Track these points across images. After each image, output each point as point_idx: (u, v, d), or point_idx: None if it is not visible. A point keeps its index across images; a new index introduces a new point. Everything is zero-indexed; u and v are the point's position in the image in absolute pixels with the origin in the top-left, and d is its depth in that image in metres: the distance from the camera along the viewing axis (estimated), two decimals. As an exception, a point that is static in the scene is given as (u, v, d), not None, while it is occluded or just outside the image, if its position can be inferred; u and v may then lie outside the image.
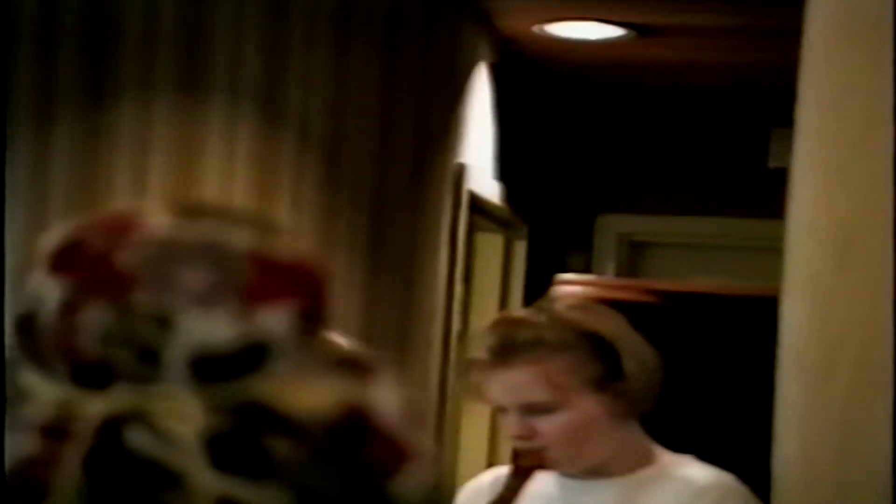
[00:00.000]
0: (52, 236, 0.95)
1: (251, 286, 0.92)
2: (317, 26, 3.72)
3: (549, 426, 2.13)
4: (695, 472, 2.22)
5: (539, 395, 2.12)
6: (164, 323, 0.90)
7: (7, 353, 0.94)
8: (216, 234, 0.94)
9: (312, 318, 0.94)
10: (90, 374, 0.91)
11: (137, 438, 0.89)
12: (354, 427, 0.92)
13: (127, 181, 3.54)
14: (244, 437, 0.89)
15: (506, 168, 5.03)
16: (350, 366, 0.96)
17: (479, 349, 2.17)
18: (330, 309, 0.97)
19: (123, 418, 0.89)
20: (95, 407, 0.90)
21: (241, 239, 0.94)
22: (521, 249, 5.25)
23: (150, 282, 0.91)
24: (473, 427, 4.97)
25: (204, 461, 0.88)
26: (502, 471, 2.24)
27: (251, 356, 0.91)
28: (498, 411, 2.20)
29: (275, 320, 0.92)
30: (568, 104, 5.57)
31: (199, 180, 3.56)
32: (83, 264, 0.93)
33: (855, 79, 2.07)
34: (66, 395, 0.91)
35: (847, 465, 2.02)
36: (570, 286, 4.35)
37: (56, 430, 0.90)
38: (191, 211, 0.97)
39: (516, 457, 2.21)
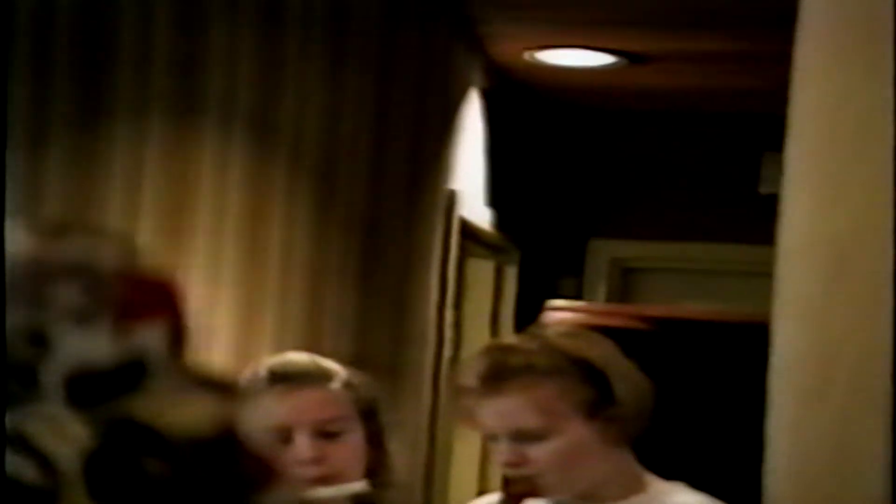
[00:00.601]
0: None
1: (123, 303, 0.91)
2: (310, 51, 3.73)
3: (540, 453, 2.13)
4: (685, 499, 2.21)
5: (530, 421, 2.12)
6: (39, 341, 0.88)
7: None
8: (83, 252, 0.93)
9: (180, 336, 0.94)
10: None
11: (14, 462, 0.87)
12: (225, 444, 0.91)
13: (120, 203, 3.54)
14: (120, 457, 0.88)
15: (497, 194, 5.03)
16: (217, 385, 0.95)
17: (469, 376, 2.17)
18: (191, 328, 0.96)
19: (7, 443, 0.87)
20: None
21: (108, 257, 0.93)
22: (512, 275, 5.25)
23: (21, 300, 0.89)
24: (464, 453, 4.96)
25: (82, 485, 0.87)
26: (494, 498, 2.23)
27: (128, 374, 0.90)
28: (489, 438, 2.19)
29: (150, 337, 0.90)
30: (559, 130, 5.58)
31: (192, 203, 3.56)
32: None
33: (846, 98, 2.07)
34: None
35: (840, 486, 2.02)
36: (561, 312, 4.35)
37: None
38: (55, 229, 0.96)
39: (507, 484, 2.20)
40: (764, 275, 2.53)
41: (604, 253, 5.63)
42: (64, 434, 0.86)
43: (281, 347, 2.94)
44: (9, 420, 0.88)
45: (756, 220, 4.93)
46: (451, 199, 4.49)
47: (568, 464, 2.14)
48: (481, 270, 5.18)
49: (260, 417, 2.16)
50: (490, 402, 2.14)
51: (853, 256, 2.03)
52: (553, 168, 5.58)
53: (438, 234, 4.38)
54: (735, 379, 3.98)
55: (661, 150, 5.57)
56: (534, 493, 2.17)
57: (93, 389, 0.88)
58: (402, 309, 4.16)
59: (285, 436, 2.16)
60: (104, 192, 3.53)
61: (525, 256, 5.30)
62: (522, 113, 5.27)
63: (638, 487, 2.21)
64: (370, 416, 2.26)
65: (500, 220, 5.06)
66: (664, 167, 5.55)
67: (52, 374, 0.89)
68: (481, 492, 4.55)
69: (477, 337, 4.93)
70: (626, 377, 2.17)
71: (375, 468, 2.24)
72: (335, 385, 2.24)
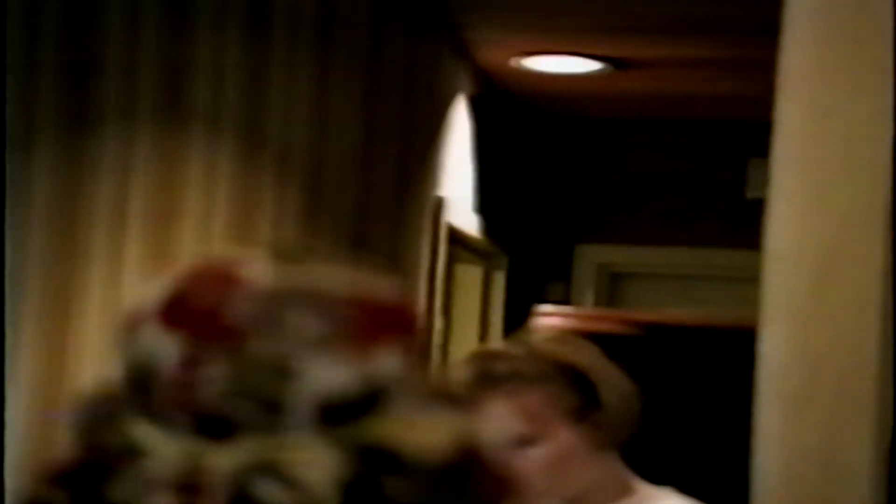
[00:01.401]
0: (157, 290, 0.95)
1: (359, 328, 0.91)
2: (297, 57, 3.73)
3: (527, 459, 2.13)
4: None
5: (517, 427, 2.12)
6: (283, 372, 0.90)
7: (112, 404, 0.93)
8: (317, 280, 0.94)
9: (416, 356, 0.94)
10: (213, 425, 0.90)
11: (269, 490, 0.88)
12: (467, 464, 0.92)
13: (108, 208, 3.54)
14: (370, 483, 0.88)
15: (485, 200, 5.04)
16: (453, 402, 0.96)
17: (456, 383, 2.17)
18: (425, 348, 0.97)
19: (253, 470, 0.88)
20: (223, 459, 0.89)
21: (339, 281, 0.94)
22: (500, 281, 5.25)
23: (264, 332, 0.90)
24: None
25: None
26: None
27: (370, 398, 0.90)
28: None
29: (388, 360, 0.91)
30: (546, 136, 5.59)
31: (180, 209, 3.56)
32: (195, 318, 0.92)
33: (831, 105, 2.08)
34: (189, 448, 0.90)
35: (828, 490, 2.03)
36: (549, 317, 4.35)
37: (187, 486, 0.89)
38: (287, 256, 0.97)
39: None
40: (751, 280, 2.54)
41: (591, 258, 5.64)
42: (317, 462, 0.87)
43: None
44: (260, 449, 0.89)
45: (743, 225, 4.94)
46: (439, 205, 4.49)
47: (555, 469, 2.15)
48: (469, 276, 5.18)
49: None
50: (477, 409, 2.14)
51: (839, 263, 2.04)
52: (540, 174, 5.59)
53: (426, 240, 4.38)
54: (722, 384, 4.00)
55: (648, 155, 5.58)
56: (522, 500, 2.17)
57: (339, 416, 0.89)
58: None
59: None
60: (92, 198, 3.53)
61: (513, 262, 5.31)
62: (509, 119, 5.28)
63: (626, 492, 2.22)
64: None
65: (488, 225, 5.07)
66: (651, 173, 5.56)
67: (300, 402, 0.89)
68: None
69: (465, 342, 4.93)
70: (613, 383, 2.17)
71: None
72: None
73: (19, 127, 3.50)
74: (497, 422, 2.14)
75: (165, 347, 0.92)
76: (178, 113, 3.58)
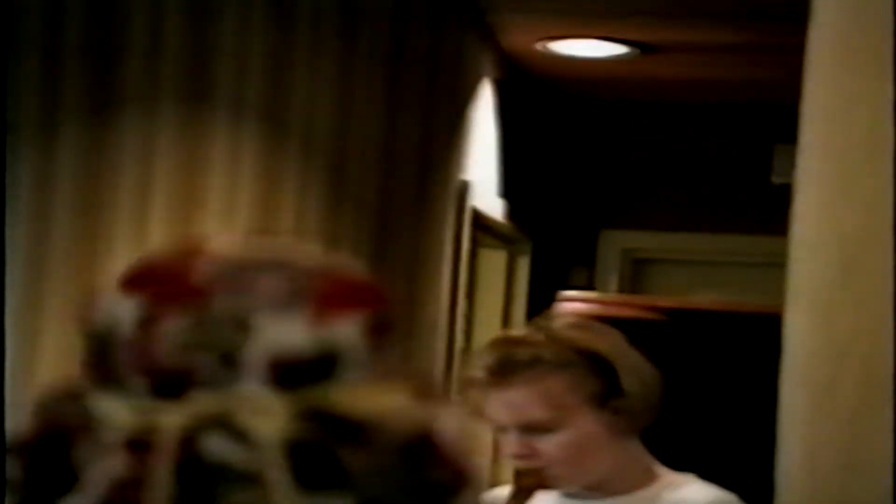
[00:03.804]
0: (123, 269, 0.97)
1: (323, 296, 0.93)
2: (321, 41, 3.72)
3: (549, 445, 2.13)
4: (696, 491, 2.21)
5: (538, 413, 2.12)
6: (241, 326, 0.91)
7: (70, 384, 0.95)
8: (285, 252, 0.97)
9: (379, 334, 0.95)
10: (168, 384, 0.91)
11: (217, 444, 0.89)
12: (422, 446, 0.92)
13: (131, 193, 3.54)
14: (319, 446, 0.90)
15: (509, 185, 5.03)
16: (418, 387, 0.97)
17: (478, 368, 2.17)
18: (394, 329, 0.98)
19: (204, 425, 0.89)
20: (174, 416, 0.90)
21: (309, 257, 0.97)
22: (524, 265, 5.24)
23: (226, 289, 0.92)
24: (475, 443, 4.96)
25: (285, 469, 0.89)
26: (503, 490, 2.23)
27: (325, 363, 0.92)
28: (498, 430, 2.19)
29: (346, 330, 0.93)
30: (571, 121, 5.57)
31: (203, 194, 3.56)
32: (157, 281, 0.95)
33: (859, 93, 2.07)
34: (143, 409, 0.91)
35: (851, 478, 2.02)
36: (572, 302, 4.35)
37: (139, 444, 0.90)
38: (259, 235, 0.99)
39: (517, 476, 2.20)
40: (776, 265, 2.53)
41: (615, 243, 5.62)
42: (268, 412, 0.89)
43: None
44: (212, 403, 0.90)
45: (768, 211, 4.92)
46: (463, 189, 4.49)
47: (577, 456, 2.14)
48: (493, 261, 5.18)
49: None
50: (499, 394, 2.14)
51: (865, 251, 2.03)
52: (565, 159, 5.57)
53: (450, 224, 4.38)
54: (746, 370, 3.98)
55: (673, 140, 5.55)
56: (544, 485, 2.17)
57: (291, 375, 0.90)
58: (413, 300, 4.16)
59: None
60: (115, 182, 3.54)
61: (537, 247, 5.30)
62: (534, 103, 5.27)
63: (648, 479, 2.21)
64: None
65: (513, 210, 5.06)
66: (676, 158, 5.54)
67: (255, 356, 0.91)
68: (492, 485, 4.55)
69: (489, 327, 4.93)
70: (634, 369, 2.16)
71: None
72: None
73: (43, 112, 3.50)
74: (518, 407, 2.13)
75: (124, 311, 0.93)
76: (201, 98, 3.58)
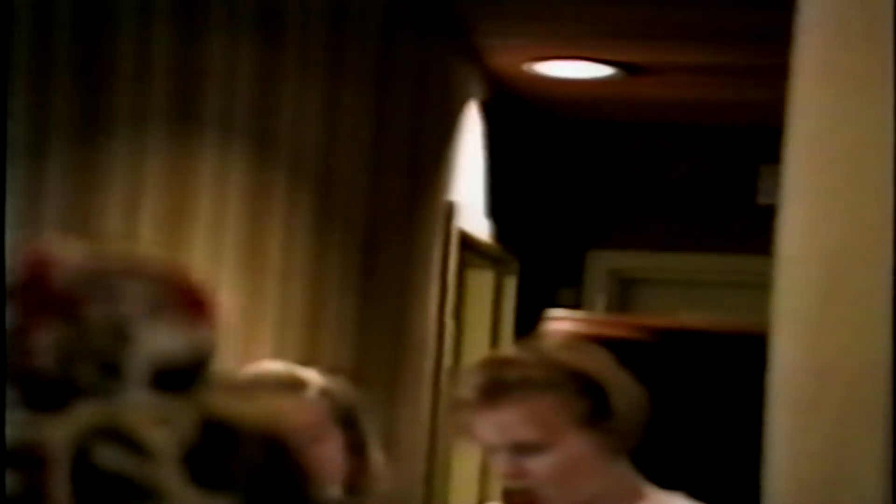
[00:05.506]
0: None
1: (187, 301, 0.94)
2: (309, 62, 3.74)
3: (538, 465, 2.13)
4: (684, 509, 2.22)
5: (528, 434, 2.13)
6: (120, 335, 0.91)
7: None
8: (133, 259, 0.97)
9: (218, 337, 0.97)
10: (49, 397, 0.90)
11: (111, 454, 0.89)
12: (279, 440, 0.94)
13: (119, 214, 3.55)
14: (210, 451, 0.90)
15: (496, 205, 5.04)
16: (254, 386, 1.00)
17: (466, 389, 2.17)
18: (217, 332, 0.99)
19: (95, 437, 0.89)
20: (60, 429, 0.90)
21: (154, 264, 0.98)
22: (511, 285, 5.25)
23: (98, 298, 0.92)
24: (464, 464, 4.97)
25: (180, 476, 0.89)
26: (493, 510, 2.23)
27: (197, 367, 0.92)
28: (488, 451, 2.20)
29: (209, 333, 0.94)
30: (557, 142, 5.59)
31: (192, 213, 3.57)
32: (17, 291, 0.94)
33: (843, 113, 2.09)
34: (24, 423, 0.90)
35: (837, 495, 2.03)
36: (560, 322, 4.35)
37: (28, 461, 0.89)
38: (93, 242, 0.99)
39: (507, 496, 2.20)
40: (762, 286, 2.54)
41: (602, 264, 5.64)
42: (160, 422, 0.89)
43: (280, 358, 2.95)
44: (100, 413, 0.90)
45: (753, 231, 4.94)
46: (451, 210, 4.50)
47: (566, 476, 2.15)
48: (481, 281, 5.19)
49: None
50: (488, 415, 2.15)
51: (850, 270, 2.04)
52: (552, 179, 5.59)
53: (438, 244, 4.39)
54: (733, 390, 3.99)
55: (660, 161, 5.58)
56: (533, 505, 2.17)
57: (172, 381, 0.91)
58: (401, 319, 4.17)
59: None
60: (104, 203, 3.54)
61: (524, 267, 5.31)
62: (521, 124, 5.29)
63: (636, 498, 2.22)
64: (350, 424, 2.27)
65: (500, 230, 5.07)
66: (662, 179, 5.56)
67: (136, 365, 0.91)
68: (481, 503, 4.55)
69: (477, 347, 4.94)
70: (623, 389, 2.17)
71: (355, 476, 2.25)
72: (310, 393, 2.25)
73: (32, 132, 3.51)
74: (507, 428, 2.14)
75: None
76: (189, 118, 3.59)
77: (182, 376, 0.91)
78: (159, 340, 0.91)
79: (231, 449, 0.90)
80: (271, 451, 0.91)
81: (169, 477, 0.87)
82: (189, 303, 0.94)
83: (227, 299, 3.60)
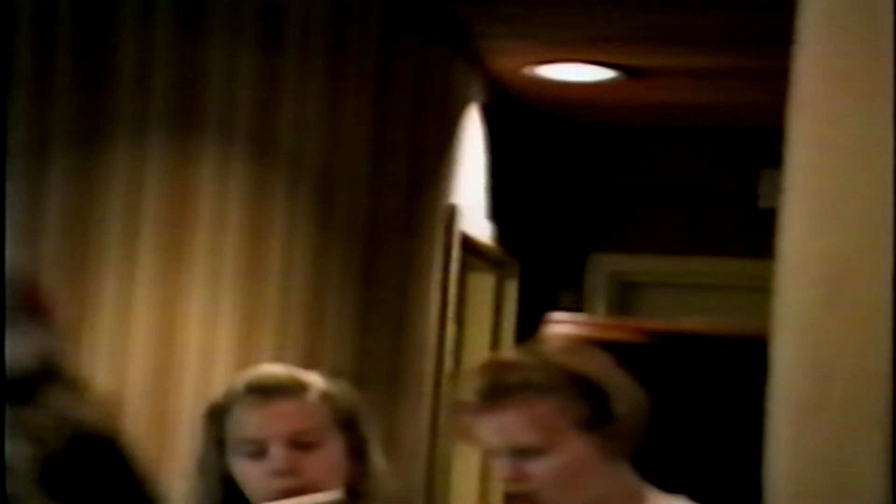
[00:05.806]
0: None
1: (31, 308, 0.94)
2: (310, 65, 3.74)
3: (540, 469, 2.13)
4: (685, 512, 2.22)
5: (529, 437, 2.13)
6: None
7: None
8: None
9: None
10: None
11: None
12: (115, 441, 0.92)
13: (121, 217, 3.55)
14: (67, 460, 0.90)
15: (497, 208, 5.05)
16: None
17: (467, 392, 2.17)
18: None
19: None
20: None
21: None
22: (512, 288, 5.26)
23: None
24: (465, 467, 4.97)
25: (39, 488, 0.89)
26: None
27: (44, 373, 0.93)
28: (489, 454, 2.20)
29: (51, 336, 0.94)
30: (559, 145, 5.60)
31: (193, 217, 3.57)
32: None
33: (843, 115, 2.09)
34: None
35: (839, 498, 2.03)
36: (561, 325, 4.36)
37: None
38: None
39: (508, 500, 2.20)
40: (762, 289, 2.54)
41: (603, 267, 5.64)
42: (15, 436, 0.89)
43: (281, 360, 2.95)
44: None
45: (754, 235, 4.94)
46: (452, 213, 4.50)
47: (567, 479, 2.15)
48: (482, 284, 5.19)
49: (236, 429, 2.18)
50: (488, 418, 2.15)
51: (851, 273, 2.04)
52: (553, 182, 5.59)
53: (439, 247, 4.39)
54: (734, 392, 3.99)
55: (661, 165, 5.58)
56: (534, 508, 2.17)
57: (24, 391, 0.90)
58: (402, 322, 4.17)
59: (261, 447, 2.18)
60: (104, 208, 3.55)
61: (525, 270, 5.31)
62: (522, 127, 5.29)
63: (637, 501, 2.22)
64: (350, 427, 2.27)
65: (501, 233, 5.08)
66: (663, 182, 5.57)
67: None
68: (481, 505, 4.55)
69: (478, 350, 4.94)
70: (624, 392, 2.17)
71: (357, 479, 2.25)
72: (311, 396, 2.25)
73: (33, 136, 3.51)
74: (508, 431, 2.14)
75: None
76: (190, 121, 3.60)
77: (33, 385, 0.90)
78: (11, 353, 0.90)
79: (87, 455, 0.90)
80: (109, 453, 0.91)
81: (29, 489, 0.87)
82: (36, 309, 0.93)
83: (227, 304, 3.61)
